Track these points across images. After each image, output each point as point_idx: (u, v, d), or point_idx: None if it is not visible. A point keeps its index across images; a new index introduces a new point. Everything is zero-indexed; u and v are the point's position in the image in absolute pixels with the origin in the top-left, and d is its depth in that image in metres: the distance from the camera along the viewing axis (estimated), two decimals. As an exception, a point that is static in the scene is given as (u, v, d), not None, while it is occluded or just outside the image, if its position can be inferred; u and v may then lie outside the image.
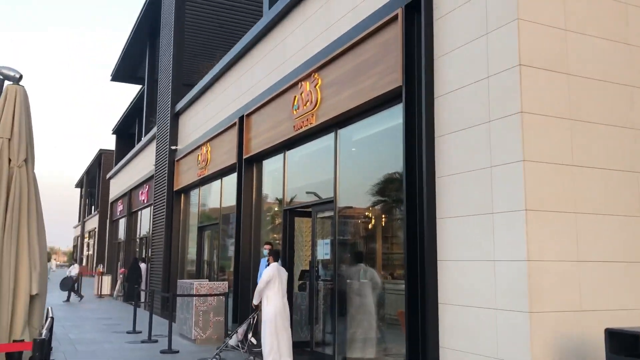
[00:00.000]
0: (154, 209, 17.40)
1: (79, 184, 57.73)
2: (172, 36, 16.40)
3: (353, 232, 8.18)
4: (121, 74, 27.12)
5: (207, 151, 13.19)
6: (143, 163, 21.13)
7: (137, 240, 22.25)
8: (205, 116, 13.81)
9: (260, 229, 10.85)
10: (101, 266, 29.08)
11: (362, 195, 7.80)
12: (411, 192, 6.07)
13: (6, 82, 4.25)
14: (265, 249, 9.29)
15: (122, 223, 25.42)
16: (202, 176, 13.44)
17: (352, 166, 8.02)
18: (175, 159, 15.97)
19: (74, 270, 21.25)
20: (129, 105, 30.63)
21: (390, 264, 7.47)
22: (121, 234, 25.96)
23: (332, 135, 8.29)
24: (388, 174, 7.31)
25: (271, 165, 10.70)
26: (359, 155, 7.97)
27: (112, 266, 27.36)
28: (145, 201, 20.33)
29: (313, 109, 8.35)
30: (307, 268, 10.57)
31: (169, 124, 16.43)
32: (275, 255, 8.33)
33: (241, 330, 8.79)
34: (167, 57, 17.15)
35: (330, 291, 8.26)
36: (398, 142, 6.86)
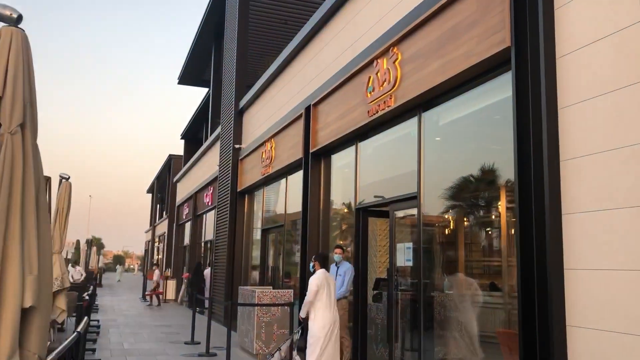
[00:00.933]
0: (217, 212, 16.66)
1: (150, 189, 58.93)
2: (236, 32, 15.66)
3: (441, 234, 6.85)
4: (188, 77, 27.00)
5: (271, 147, 12.21)
6: (208, 164, 20.56)
7: (202, 244, 21.70)
8: (270, 110, 12.86)
9: (329, 231, 9.69)
10: (169, 270, 28.92)
11: (453, 189, 6.46)
12: (525, 182, 4.70)
13: (1, 24, 3.09)
14: (337, 254, 8.12)
15: (188, 227, 25.05)
16: (266, 174, 12.47)
17: (440, 155, 6.70)
18: (239, 158, 15.14)
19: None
20: (196, 110, 30.53)
21: (487, 272, 6.10)
22: (187, 238, 25.61)
23: (414, 119, 7.02)
24: (486, 162, 5.95)
25: (341, 160, 9.53)
26: (449, 142, 6.64)
27: (178, 271, 27.07)
28: (209, 203, 19.71)
29: (391, 89, 7.11)
30: (383, 276, 9.33)
31: (232, 122, 15.65)
32: (322, 261, 7.17)
33: (285, 347, 7.64)
34: (231, 53, 16.43)
35: (413, 303, 6.96)
36: (500, 123, 5.52)
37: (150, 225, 56.14)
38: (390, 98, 7.13)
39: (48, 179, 8.83)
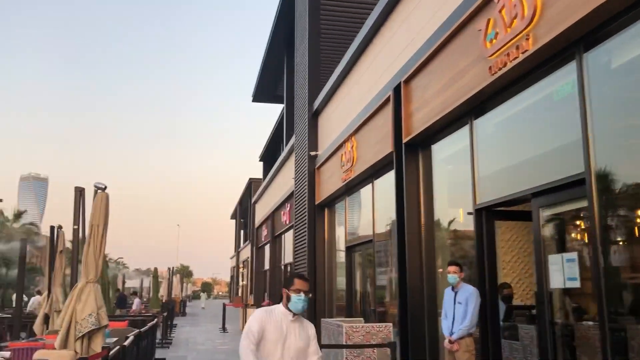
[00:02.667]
0: (295, 230, 14.70)
1: (234, 215, 58.81)
2: (307, 28, 13.92)
3: (629, 236, 4.36)
4: (261, 93, 25.76)
5: (352, 147, 10.09)
6: (284, 180, 18.78)
7: (282, 267, 19.84)
8: (348, 104, 10.79)
9: (434, 243, 7.35)
10: (251, 297, 27.35)
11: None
12: None
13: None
14: (452, 274, 5.79)
15: (267, 249, 23.36)
16: (347, 180, 10.33)
17: (617, 115, 4.29)
18: (316, 167, 13.14)
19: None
20: (273, 129, 29.25)
21: None
22: (267, 261, 23.93)
23: (570, 66, 4.66)
24: None
25: (446, 149, 7.24)
26: (630, 90, 4.21)
27: (259, 297, 25.39)
28: (287, 222, 17.84)
29: (528, 25, 4.78)
30: (516, 301, 6.88)
31: (306, 127, 13.73)
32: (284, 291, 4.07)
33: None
34: (302, 52, 14.63)
35: (584, 342, 4.50)
36: None
37: (235, 250, 55.87)
38: (527, 39, 4.80)
39: (81, 190, 7.21)
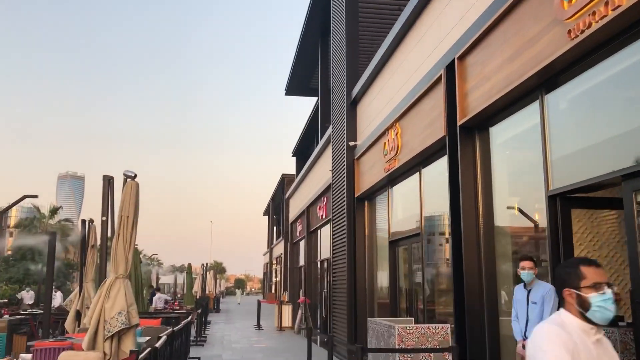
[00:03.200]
0: (332, 225, 14.09)
1: (266, 211, 58.67)
2: (344, 14, 13.28)
3: None
4: (295, 86, 25.24)
5: (396, 134, 9.40)
6: (320, 173, 18.18)
7: (318, 263, 19.25)
8: (390, 89, 10.10)
9: (494, 234, 6.62)
10: (285, 294, 26.92)
11: None
12: None
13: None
14: (525, 270, 5.08)
15: (302, 245, 22.81)
16: (391, 170, 9.65)
17: None
18: (355, 158, 12.49)
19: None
20: (306, 123, 28.72)
21: None
22: (302, 257, 23.39)
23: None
24: None
25: (508, 131, 6.50)
26: None
27: (294, 294, 24.88)
28: (323, 216, 17.23)
29: (621, -25, 4.03)
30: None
31: (344, 116, 13.08)
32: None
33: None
34: (339, 38, 13.99)
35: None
36: None
37: (268, 247, 55.73)
38: (620, -8, 4.05)
39: (110, 179, 6.73)
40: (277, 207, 48.67)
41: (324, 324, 17.43)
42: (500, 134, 6.62)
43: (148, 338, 8.02)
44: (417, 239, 8.91)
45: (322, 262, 18.29)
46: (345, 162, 12.77)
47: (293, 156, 36.22)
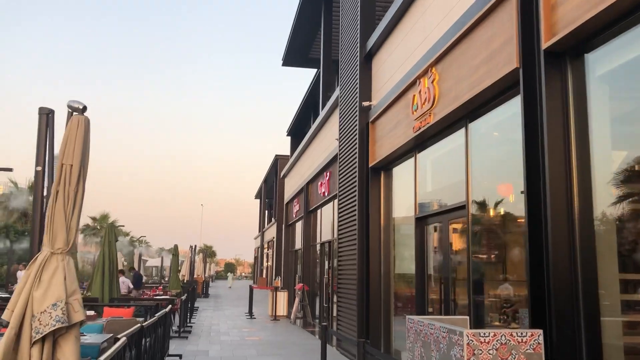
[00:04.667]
0: (339, 202, 12.17)
1: (258, 195, 57.09)
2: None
3: None
4: (293, 56, 23.23)
5: (432, 82, 7.44)
6: (322, 145, 16.22)
7: (317, 246, 17.37)
8: (423, 28, 8.13)
9: (591, 205, 4.71)
10: (278, 279, 25.04)
11: None
12: None
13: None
14: None
15: (299, 227, 20.93)
16: (422, 129, 7.72)
17: None
18: (369, 121, 10.55)
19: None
20: (302, 100, 26.69)
21: None
22: (298, 240, 21.52)
23: None
24: None
25: (621, 54, 4.55)
26: None
27: (289, 280, 23.03)
28: (325, 193, 15.31)
29: None
30: None
31: (357, 74, 11.12)
32: None
33: None
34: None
35: None
36: None
37: (259, 231, 54.26)
38: None
39: (49, 113, 4.75)
40: (269, 190, 46.91)
41: (325, 315, 15.58)
42: (606, 60, 4.68)
43: (109, 336, 6.08)
44: (460, 214, 7.00)
45: (322, 244, 16.40)
46: (357, 127, 10.82)
47: (288, 135, 34.23)
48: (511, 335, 3.98)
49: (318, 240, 17.26)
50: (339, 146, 12.39)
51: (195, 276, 30.90)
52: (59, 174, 4.31)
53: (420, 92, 7.88)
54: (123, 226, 62.60)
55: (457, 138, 7.23)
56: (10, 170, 25.03)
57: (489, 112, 6.42)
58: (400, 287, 9.64)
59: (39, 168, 4.57)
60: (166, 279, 31.70)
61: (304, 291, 16.87)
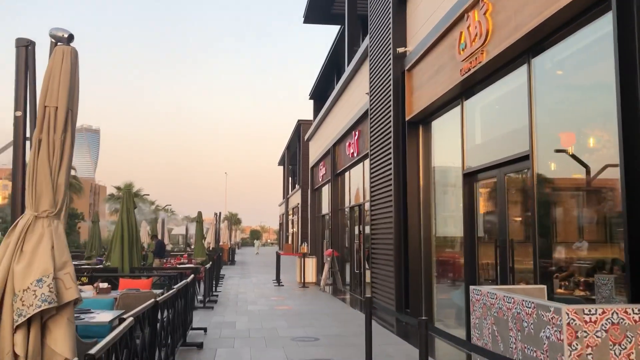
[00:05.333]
0: (371, 161, 11.22)
1: (282, 161, 56.49)
2: None
3: None
4: (315, 12, 21.96)
5: (485, 13, 6.36)
6: (349, 103, 15.19)
7: (346, 210, 16.51)
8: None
9: None
10: (305, 245, 24.34)
11: None
12: None
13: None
14: None
15: (326, 191, 20.07)
16: (472, 70, 6.66)
17: None
18: (405, 69, 9.49)
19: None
20: (325, 60, 25.45)
21: None
22: (325, 205, 20.69)
23: None
24: None
25: None
26: None
27: (316, 246, 22.31)
28: (355, 154, 14.35)
29: None
30: None
31: (390, 18, 10.01)
32: None
33: None
34: None
35: None
36: None
37: (284, 197, 53.82)
38: None
39: (28, 45, 3.87)
40: (292, 157, 46.13)
41: (356, 282, 14.82)
42: None
43: (121, 313, 5.32)
44: (521, 166, 6.00)
45: (352, 208, 15.52)
46: (391, 78, 9.78)
47: (311, 98, 33.10)
48: (625, 312, 3.05)
49: (347, 204, 16.39)
50: (370, 101, 11.37)
51: (220, 243, 30.48)
52: (41, 118, 3.46)
53: (469, 27, 6.80)
54: (148, 195, 62.81)
55: (515, 78, 6.18)
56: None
57: (559, 43, 5.34)
58: (443, 252, 8.74)
59: (19, 113, 3.72)
60: (192, 247, 31.42)
61: (333, 257, 16.10)
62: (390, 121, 9.83)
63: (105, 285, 6.96)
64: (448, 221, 8.62)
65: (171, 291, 6.11)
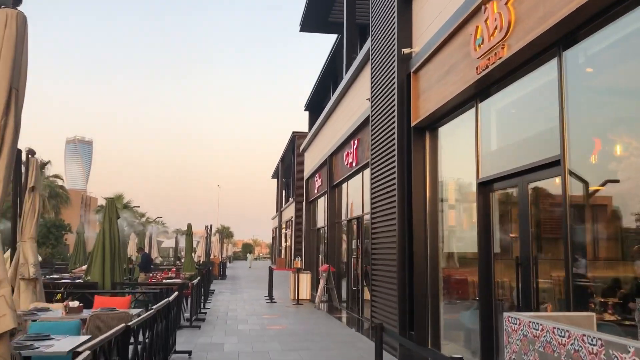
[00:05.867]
0: (371, 171, 10.51)
1: (275, 174, 55.94)
2: None
3: None
4: (312, 20, 21.45)
5: (506, 3, 5.69)
6: (348, 109, 14.53)
7: (343, 223, 15.77)
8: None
9: None
10: (298, 260, 23.51)
11: None
12: None
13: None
14: None
15: (322, 203, 19.34)
16: (491, 66, 5.99)
17: None
18: (411, 71, 8.82)
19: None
20: (321, 70, 24.87)
21: None
22: (320, 218, 19.94)
23: None
24: None
25: None
26: None
27: (311, 261, 21.52)
28: (353, 164, 13.65)
29: None
30: None
31: (395, 17, 9.38)
32: None
33: None
34: None
35: None
36: None
37: (277, 211, 53.12)
38: None
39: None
40: (286, 169, 45.50)
41: (353, 299, 14.04)
42: None
43: (86, 339, 4.52)
44: (549, 173, 5.30)
45: (349, 221, 14.79)
46: (395, 81, 9.11)
47: (306, 110, 32.49)
48: None
49: (344, 217, 15.66)
50: (371, 107, 10.69)
51: (211, 257, 29.58)
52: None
53: (486, 20, 6.14)
54: (138, 207, 61.76)
55: (542, 74, 5.50)
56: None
57: (597, 32, 4.67)
58: (452, 269, 8.00)
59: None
60: (181, 261, 30.52)
61: (329, 273, 15.33)
62: (394, 127, 9.15)
63: (76, 304, 6.16)
64: (459, 235, 7.90)
65: (149, 312, 5.33)
